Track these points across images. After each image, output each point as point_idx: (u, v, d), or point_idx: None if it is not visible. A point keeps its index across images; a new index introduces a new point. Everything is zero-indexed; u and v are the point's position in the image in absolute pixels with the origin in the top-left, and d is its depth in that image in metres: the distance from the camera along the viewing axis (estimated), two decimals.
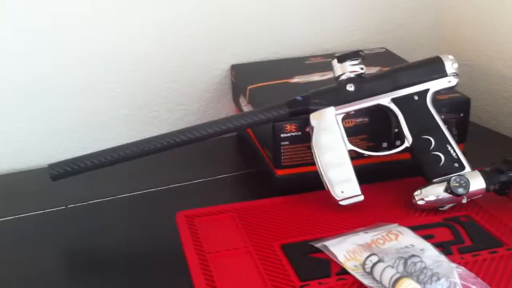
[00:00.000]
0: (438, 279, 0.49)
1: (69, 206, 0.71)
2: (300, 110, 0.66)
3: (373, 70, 0.72)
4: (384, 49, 0.92)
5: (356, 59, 0.66)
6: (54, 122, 0.83)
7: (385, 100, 0.66)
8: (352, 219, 0.62)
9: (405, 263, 0.51)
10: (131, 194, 0.73)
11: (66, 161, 0.65)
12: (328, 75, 0.75)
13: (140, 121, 0.87)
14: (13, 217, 0.69)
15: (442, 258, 0.53)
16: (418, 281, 0.49)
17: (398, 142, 0.68)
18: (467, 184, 0.61)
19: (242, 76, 0.85)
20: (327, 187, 0.63)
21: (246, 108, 0.79)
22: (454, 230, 0.60)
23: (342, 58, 0.66)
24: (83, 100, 0.84)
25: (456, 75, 0.66)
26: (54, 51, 0.81)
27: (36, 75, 0.81)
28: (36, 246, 0.63)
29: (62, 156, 0.67)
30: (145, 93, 0.87)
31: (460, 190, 0.61)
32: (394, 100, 0.66)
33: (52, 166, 0.65)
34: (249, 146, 0.81)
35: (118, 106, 0.86)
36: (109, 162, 0.65)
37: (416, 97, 0.66)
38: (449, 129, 0.66)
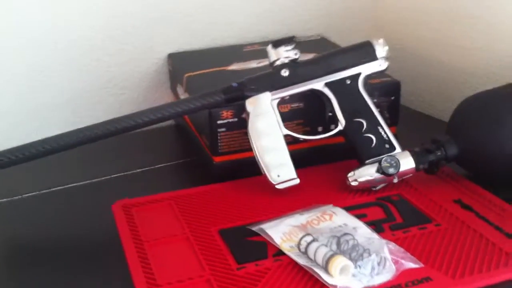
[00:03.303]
0: (369, 255, 0.51)
1: (0, 200, 0.69)
2: (236, 96, 0.66)
3: (309, 56, 0.73)
4: (320, 36, 0.93)
5: (290, 45, 0.67)
6: None
7: (319, 84, 0.67)
8: (288, 202, 0.63)
9: (338, 242, 0.52)
10: (69, 185, 0.72)
11: (5, 151, 0.63)
12: (265, 62, 0.75)
13: (76, 110, 0.85)
14: None
15: (374, 235, 0.55)
16: (350, 258, 0.50)
17: (332, 126, 0.69)
18: (397, 164, 0.63)
19: (179, 65, 0.84)
20: (264, 171, 0.64)
21: (184, 96, 0.79)
22: (386, 209, 0.62)
23: (276, 44, 0.67)
24: (22, 86, 0.82)
25: (386, 58, 0.68)
26: None
27: None
28: None
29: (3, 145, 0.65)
30: (82, 81, 0.85)
31: (391, 170, 0.63)
32: (327, 85, 0.67)
33: None
34: (187, 135, 0.81)
35: (55, 93, 0.84)
36: (46, 152, 0.63)
37: (348, 81, 0.67)
38: (381, 112, 0.68)
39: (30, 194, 0.70)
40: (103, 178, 0.74)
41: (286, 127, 0.66)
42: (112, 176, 0.74)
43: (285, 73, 0.66)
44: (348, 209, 0.60)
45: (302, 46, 0.68)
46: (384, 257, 0.51)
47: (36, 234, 0.63)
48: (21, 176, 0.72)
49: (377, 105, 0.68)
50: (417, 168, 0.64)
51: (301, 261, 0.52)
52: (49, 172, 0.74)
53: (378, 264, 0.51)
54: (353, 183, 0.64)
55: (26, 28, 0.80)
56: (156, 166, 0.76)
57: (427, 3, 0.92)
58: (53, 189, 0.71)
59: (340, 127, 0.66)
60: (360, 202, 0.63)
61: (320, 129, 0.71)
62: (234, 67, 0.80)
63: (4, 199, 0.69)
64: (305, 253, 0.53)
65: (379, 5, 1.01)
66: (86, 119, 0.66)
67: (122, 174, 0.75)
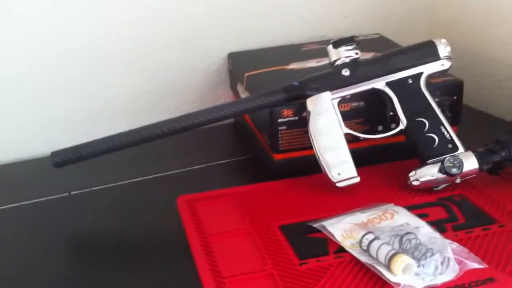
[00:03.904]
0: (433, 254, 0.51)
1: (72, 193, 0.73)
2: (297, 95, 0.67)
3: (368, 55, 0.73)
4: (379, 35, 0.93)
5: (351, 44, 0.67)
6: (53, 110, 0.84)
7: (380, 84, 0.67)
8: (348, 200, 0.64)
9: (400, 240, 0.53)
10: (132, 180, 0.75)
11: (69, 149, 0.66)
12: (324, 61, 0.76)
13: (139, 109, 0.89)
14: (16, 204, 0.70)
15: (436, 235, 0.55)
16: (413, 257, 0.51)
17: (393, 125, 0.69)
18: (460, 164, 0.62)
19: (239, 64, 0.86)
20: (324, 169, 0.65)
21: (244, 95, 0.80)
22: (448, 209, 0.61)
23: (337, 44, 0.68)
24: (83, 88, 0.85)
25: (449, 58, 0.67)
26: (53, 39, 0.81)
27: (37, 59, 0.81)
28: (39, 233, 0.65)
29: (63, 144, 0.68)
30: (143, 82, 0.88)
31: (454, 170, 0.62)
32: (388, 84, 0.67)
33: (55, 154, 0.66)
34: (247, 132, 0.82)
35: (117, 95, 0.87)
36: (110, 149, 0.66)
37: (410, 81, 0.67)
38: (442, 111, 0.67)
39: (97, 188, 0.73)
40: (166, 174, 0.76)
41: (347, 125, 0.66)
42: (175, 171, 0.76)
43: (346, 72, 0.67)
44: (410, 208, 0.60)
45: (360, 45, 0.68)
46: (448, 257, 0.51)
47: (102, 228, 0.65)
48: (90, 171, 0.75)
49: (439, 105, 0.67)
50: (480, 169, 0.63)
51: (363, 258, 0.53)
52: (115, 168, 0.77)
53: (442, 263, 0.51)
54: (415, 183, 0.64)
55: (79, 33, 0.83)
56: (217, 163, 0.78)
57: (485, 1, 0.90)
58: (119, 183, 0.74)
59: (401, 126, 0.66)
60: (421, 201, 0.63)
61: (380, 128, 0.71)
62: (293, 66, 0.80)
63: (75, 192, 0.73)
64: (366, 250, 0.53)
65: (437, 4, 0.99)
66: (146, 122, 0.68)
67: (184, 170, 0.77)
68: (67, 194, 0.72)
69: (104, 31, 0.84)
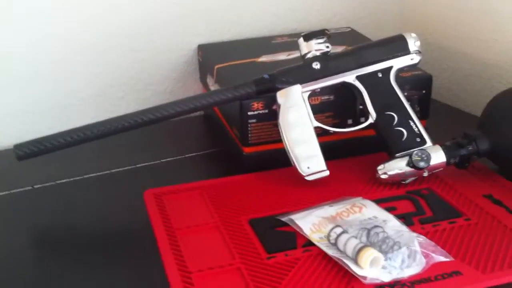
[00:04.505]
0: (400, 247, 0.51)
1: (35, 186, 0.71)
2: (267, 88, 0.66)
3: (339, 49, 0.73)
4: (350, 29, 0.93)
5: (322, 38, 0.67)
6: (16, 103, 0.82)
7: (350, 77, 0.67)
8: (318, 193, 0.64)
9: (368, 234, 0.53)
10: (98, 174, 0.73)
11: (32, 141, 0.65)
12: (295, 54, 0.76)
13: (105, 101, 0.87)
14: None
15: (404, 228, 0.55)
16: (380, 250, 0.51)
17: (362, 119, 0.69)
18: (428, 158, 0.63)
19: (210, 56, 0.85)
20: (294, 163, 0.65)
21: (214, 87, 0.80)
22: (416, 202, 0.62)
23: (308, 37, 0.67)
24: (47, 80, 0.83)
25: (418, 52, 0.68)
26: (15, 31, 0.79)
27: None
28: (3, 227, 0.63)
29: (27, 137, 0.66)
30: (111, 73, 0.87)
31: (422, 164, 0.63)
32: (358, 78, 0.67)
33: (18, 147, 0.64)
34: (217, 125, 0.81)
35: (82, 87, 0.85)
36: (75, 142, 0.64)
37: (380, 74, 0.67)
38: (411, 105, 0.68)
39: (61, 182, 0.72)
40: (133, 167, 0.75)
41: (317, 119, 0.66)
42: (142, 164, 0.75)
43: (316, 65, 0.66)
44: (378, 202, 0.60)
45: (331, 39, 0.68)
46: (414, 250, 0.51)
47: (67, 222, 0.64)
48: (54, 164, 0.73)
49: (408, 99, 0.68)
50: (448, 162, 0.64)
51: (331, 252, 0.53)
52: (81, 161, 0.75)
53: (408, 257, 0.51)
54: (383, 176, 0.64)
55: (50, 24, 0.81)
56: (186, 156, 0.77)
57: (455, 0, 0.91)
58: (85, 176, 0.73)
59: (371, 120, 0.66)
60: (389, 195, 0.63)
61: (350, 121, 0.71)
62: (263, 59, 0.80)
63: (38, 186, 0.71)
64: (334, 244, 0.53)
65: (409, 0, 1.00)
66: (113, 114, 0.67)
67: (152, 163, 0.76)
68: (31, 187, 0.71)
69: (69, 21, 0.82)
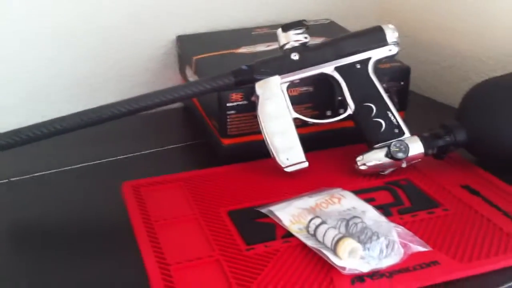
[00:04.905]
0: (378, 238, 0.51)
1: (12, 179, 0.70)
2: (246, 79, 0.66)
3: (318, 41, 0.73)
4: (329, 20, 0.93)
5: (300, 28, 0.67)
6: None
7: (328, 68, 0.67)
8: (297, 185, 0.64)
9: (346, 224, 0.53)
10: (76, 166, 0.72)
11: (9, 133, 0.63)
12: (274, 46, 0.76)
13: (82, 93, 0.86)
14: None
15: (382, 218, 0.55)
16: (359, 241, 0.51)
17: (341, 110, 0.69)
18: (406, 149, 0.63)
19: (188, 47, 0.84)
20: (273, 154, 0.64)
21: (192, 79, 0.79)
22: (394, 193, 0.62)
23: (286, 27, 0.67)
24: (25, 72, 0.82)
25: (396, 44, 0.68)
26: None
27: None
28: None
29: (2, 128, 0.65)
30: (89, 64, 0.85)
31: (400, 155, 0.63)
32: (337, 69, 0.67)
33: None
34: (196, 117, 0.81)
35: (58, 77, 0.84)
36: (51, 134, 0.63)
37: (358, 66, 0.67)
38: (390, 97, 0.68)
39: (39, 174, 0.71)
40: (111, 159, 0.74)
41: (295, 110, 0.66)
42: (121, 157, 0.74)
43: (295, 56, 0.66)
44: (357, 192, 0.61)
45: (310, 30, 0.68)
46: (393, 240, 0.52)
47: (45, 215, 0.63)
48: (30, 157, 0.72)
49: (386, 90, 0.68)
50: (426, 153, 0.64)
51: (310, 243, 0.53)
52: (57, 153, 0.74)
53: (387, 247, 0.51)
54: (362, 167, 0.64)
55: (24, 16, 0.79)
56: (165, 148, 0.77)
57: None
58: (61, 169, 0.71)
59: (349, 111, 0.66)
60: (368, 186, 0.63)
61: (329, 113, 0.71)
62: (243, 50, 0.79)
63: (14, 178, 0.70)
64: (313, 235, 0.53)
65: None
66: (91, 105, 0.66)
67: (131, 155, 0.75)
68: (7, 180, 0.69)
69: (49, 14, 0.80)
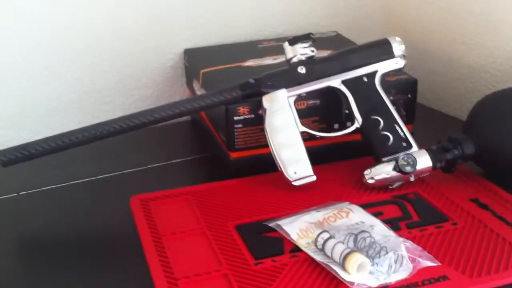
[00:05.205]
0: (386, 252, 0.51)
1: (21, 193, 0.70)
2: (253, 92, 0.66)
3: (325, 53, 0.73)
4: (336, 33, 0.93)
5: (307, 42, 0.67)
6: (2, 109, 0.81)
7: (335, 82, 0.67)
8: (305, 198, 0.63)
9: (355, 239, 0.53)
10: (84, 180, 0.73)
11: (17, 147, 0.64)
12: (281, 59, 0.76)
13: (91, 107, 0.86)
14: None
15: (391, 233, 0.55)
16: (367, 256, 0.51)
17: (348, 123, 0.69)
18: (414, 162, 0.63)
19: (195, 60, 0.85)
20: (280, 168, 0.64)
21: (200, 92, 0.79)
22: (403, 207, 0.62)
23: (293, 41, 0.67)
24: (34, 85, 0.82)
25: (403, 57, 0.68)
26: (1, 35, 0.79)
27: None
28: None
29: (12, 142, 0.65)
30: (98, 78, 0.86)
31: (408, 168, 0.63)
32: (344, 82, 0.67)
33: (2, 153, 0.64)
34: (203, 130, 0.81)
35: (68, 92, 0.85)
36: (61, 148, 0.64)
37: (365, 79, 0.67)
38: (397, 109, 0.68)
39: (47, 188, 0.71)
40: (119, 173, 0.74)
41: (303, 124, 0.66)
42: (129, 170, 0.74)
43: (301, 70, 0.66)
44: (365, 206, 0.60)
45: (317, 43, 0.68)
46: (401, 255, 0.51)
47: (53, 228, 0.63)
48: (38, 171, 0.72)
49: (393, 103, 0.68)
50: (434, 167, 0.64)
51: (318, 257, 0.52)
52: (65, 167, 0.75)
53: (395, 262, 0.51)
54: (370, 181, 0.64)
55: (33, 31, 0.80)
56: (173, 161, 0.77)
57: (441, 1, 0.91)
58: (69, 183, 0.72)
59: (356, 124, 0.66)
60: (376, 200, 0.63)
61: (336, 126, 0.71)
62: (249, 63, 0.80)
63: (23, 192, 0.70)
64: (322, 250, 0.53)
65: (393, 3, 1.00)
66: (99, 119, 0.67)
67: (139, 168, 0.75)
68: (16, 194, 0.70)
69: (56, 26, 0.81)
